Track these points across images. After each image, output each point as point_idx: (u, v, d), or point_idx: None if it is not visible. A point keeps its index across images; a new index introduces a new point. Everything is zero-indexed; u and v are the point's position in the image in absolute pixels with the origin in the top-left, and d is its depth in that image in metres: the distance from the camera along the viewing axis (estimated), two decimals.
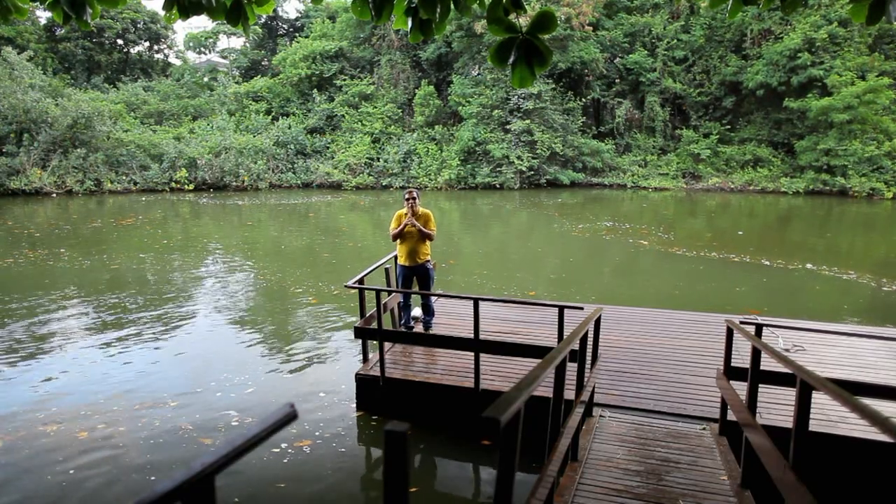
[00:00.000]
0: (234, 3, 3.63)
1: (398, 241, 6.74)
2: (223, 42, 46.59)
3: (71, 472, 4.86)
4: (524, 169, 29.58)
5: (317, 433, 5.51)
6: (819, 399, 4.79)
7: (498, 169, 30.09)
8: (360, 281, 5.87)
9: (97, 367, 7.16)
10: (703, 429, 4.80)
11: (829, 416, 4.83)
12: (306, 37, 37.73)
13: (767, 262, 13.23)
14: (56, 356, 7.52)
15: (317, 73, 34.86)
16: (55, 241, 15.38)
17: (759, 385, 4.25)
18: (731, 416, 4.64)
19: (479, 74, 32.86)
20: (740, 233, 17.86)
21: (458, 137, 30.84)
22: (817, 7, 29.11)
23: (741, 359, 5.64)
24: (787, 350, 6.41)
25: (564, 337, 4.78)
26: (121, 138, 28.36)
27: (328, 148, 32.71)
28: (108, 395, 6.33)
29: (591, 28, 30.95)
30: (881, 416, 1.95)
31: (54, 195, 25.52)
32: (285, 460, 5.05)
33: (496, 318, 7.46)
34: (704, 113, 32.44)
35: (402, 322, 7.03)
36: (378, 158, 31.66)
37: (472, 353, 5.50)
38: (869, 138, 27.30)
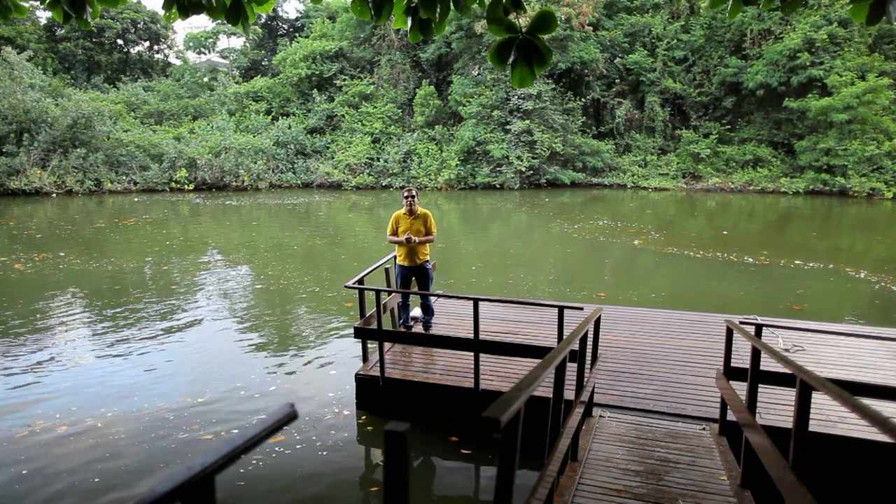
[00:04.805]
0: (234, 1, 3.63)
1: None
2: (223, 42, 46.65)
3: (76, 474, 4.86)
4: (524, 169, 29.57)
5: (317, 433, 5.51)
6: (819, 399, 4.79)
7: (498, 169, 30.08)
8: (360, 281, 5.87)
9: (102, 367, 7.16)
10: (703, 429, 4.79)
11: (829, 416, 4.83)
12: (306, 37, 37.71)
13: (767, 262, 13.23)
14: (61, 358, 7.52)
15: (317, 73, 34.86)
16: (57, 242, 15.38)
17: (759, 385, 4.25)
18: (730, 417, 4.64)
19: (479, 74, 32.84)
20: (725, 232, 17.88)
21: (458, 137, 30.84)
22: (817, 7, 29.11)
23: (741, 359, 5.64)
24: (786, 350, 6.41)
25: (564, 337, 4.78)
26: (121, 138, 28.36)
27: (328, 148, 32.71)
28: (107, 395, 6.34)
29: (591, 28, 30.95)
30: (881, 416, 1.95)
31: (54, 195, 25.51)
32: (285, 460, 5.04)
33: (496, 319, 7.46)
34: (704, 113, 32.45)
35: (401, 322, 7.03)
36: (378, 158, 31.66)
37: (472, 354, 5.50)
38: (869, 138, 27.29)
